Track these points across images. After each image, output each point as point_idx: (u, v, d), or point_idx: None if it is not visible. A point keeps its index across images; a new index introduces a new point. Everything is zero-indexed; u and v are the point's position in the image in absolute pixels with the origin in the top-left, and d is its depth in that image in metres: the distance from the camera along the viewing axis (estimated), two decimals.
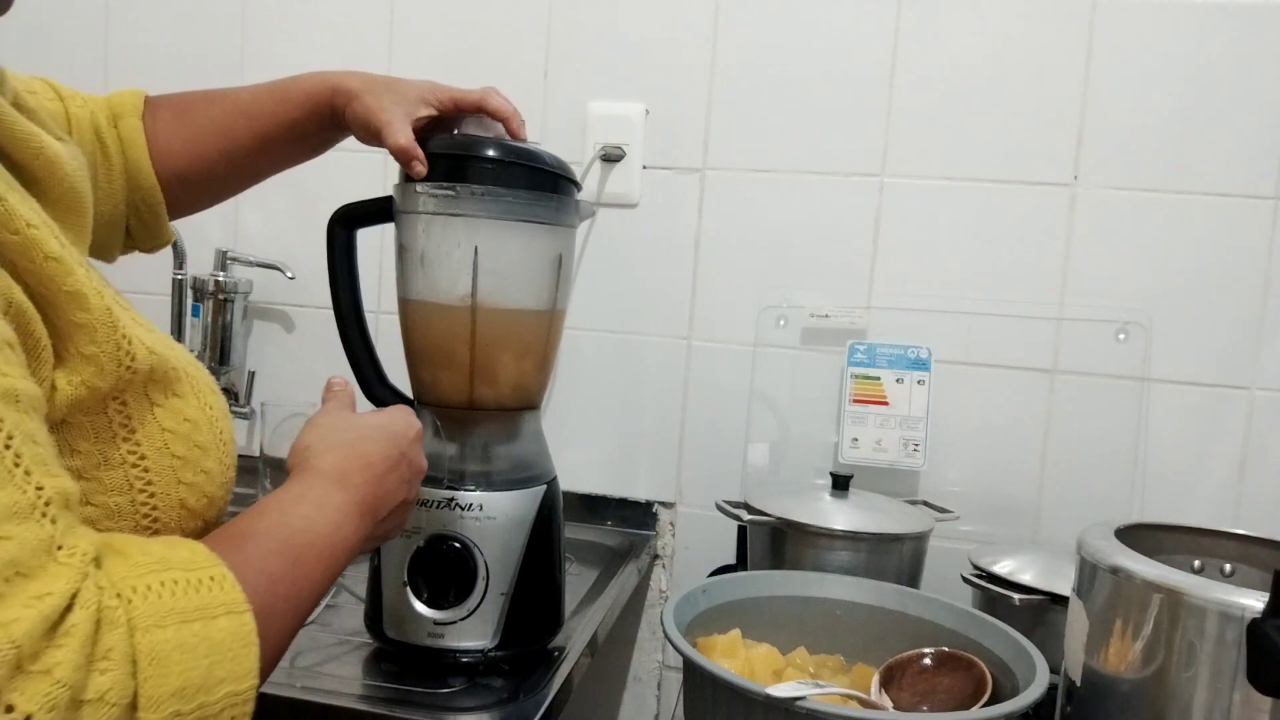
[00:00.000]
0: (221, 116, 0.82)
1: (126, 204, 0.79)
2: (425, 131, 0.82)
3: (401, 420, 0.66)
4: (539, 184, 0.83)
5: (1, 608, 0.35)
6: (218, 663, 0.42)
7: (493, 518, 0.83)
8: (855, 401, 1.18)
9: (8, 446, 0.38)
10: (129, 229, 0.81)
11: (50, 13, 1.40)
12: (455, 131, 0.84)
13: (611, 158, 1.26)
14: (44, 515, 0.38)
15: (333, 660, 0.87)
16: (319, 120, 0.83)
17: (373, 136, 0.80)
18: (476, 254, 0.81)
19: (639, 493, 1.30)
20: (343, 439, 0.62)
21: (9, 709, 0.34)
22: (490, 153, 0.82)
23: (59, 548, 0.39)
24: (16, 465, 0.38)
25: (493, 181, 0.81)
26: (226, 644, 0.42)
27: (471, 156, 0.81)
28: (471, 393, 0.85)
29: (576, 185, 0.88)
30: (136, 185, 0.79)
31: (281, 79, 0.84)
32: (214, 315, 1.34)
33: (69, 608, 0.37)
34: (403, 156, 0.79)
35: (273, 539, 0.51)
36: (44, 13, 1.39)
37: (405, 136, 0.79)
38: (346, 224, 0.89)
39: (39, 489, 0.39)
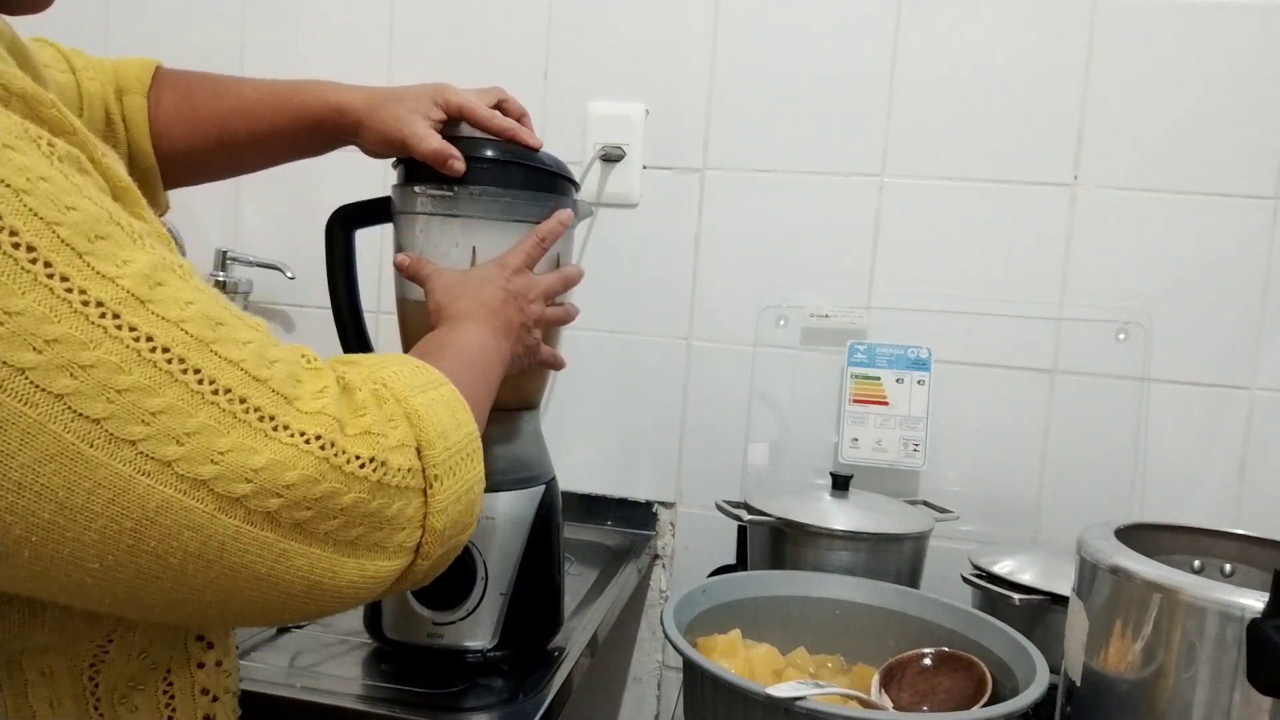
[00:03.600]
0: (223, 111, 0.82)
1: None
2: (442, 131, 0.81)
3: (493, 268, 0.77)
4: (537, 184, 0.83)
5: (307, 399, 0.46)
6: (453, 413, 0.55)
7: (491, 518, 0.83)
8: (855, 401, 1.18)
9: (217, 300, 0.45)
10: None
11: (50, 13, 1.40)
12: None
13: (611, 158, 1.26)
14: (277, 342, 0.48)
15: (332, 660, 0.87)
16: (317, 136, 0.84)
17: (395, 149, 0.81)
18: (474, 254, 0.81)
19: (639, 493, 1.30)
20: (463, 292, 0.74)
21: (356, 458, 0.47)
22: (490, 154, 0.82)
23: (303, 356, 0.49)
24: (239, 318, 0.46)
25: (491, 182, 0.81)
26: (451, 402, 0.56)
27: (471, 158, 0.81)
28: None
29: (575, 185, 0.88)
30: (136, 164, 0.80)
31: (285, 83, 0.84)
32: None
33: (347, 390, 0.50)
34: (438, 159, 0.78)
35: (442, 353, 0.65)
36: (43, 13, 1.39)
37: (436, 140, 0.79)
38: (345, 224, 0.89)
39: (257, 327, 0.47)
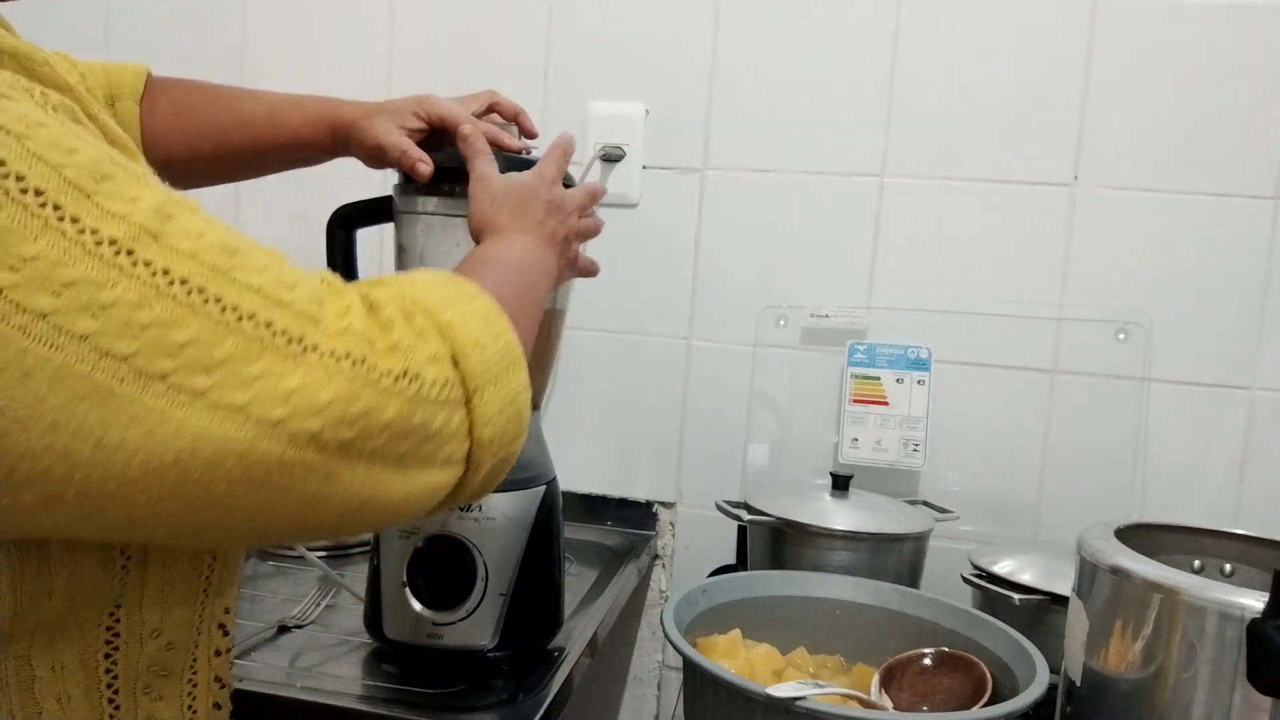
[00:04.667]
0: (221, 121, 0.83)
1: None
2: (431, 140, 0.82)
3: (532, 179, 0.76)
4: None
5: (332, 320, 0.46)
6: (489, 325, 0.54)
7: (492, 518, 0.83)
8: (855, 401, 1.18)
9: (228, 229, 0.45)
10: None
11: (50, 11, 1.40)
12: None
13: (611, 158, 1.26)
14: (294, 266, 0.47)
15: (333, 660, 0.87)
16: (315, 148, 0.85)
17: (377, 158, 0.82)
18: None
19: (639, 493, 1.30)
20: (507, 203, 0.73)
21: (389, 373, 0.46)
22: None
23: (322, 280, 0.48)
24: (253, 245, 0.45)
25: None
26: (488, 313, 0.55)
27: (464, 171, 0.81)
28: None
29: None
30: None
31: (283, 97, 0.85)
32: None
33: (373, 307, 0.49)
34: (404, 162, 0.79)
35: (485, 268, 0.64)
36: (44, 11, 1.39)
37: (404, 144, 0.80)
38: (345, 224, 0.89)
39: (272, 253, 0.46)
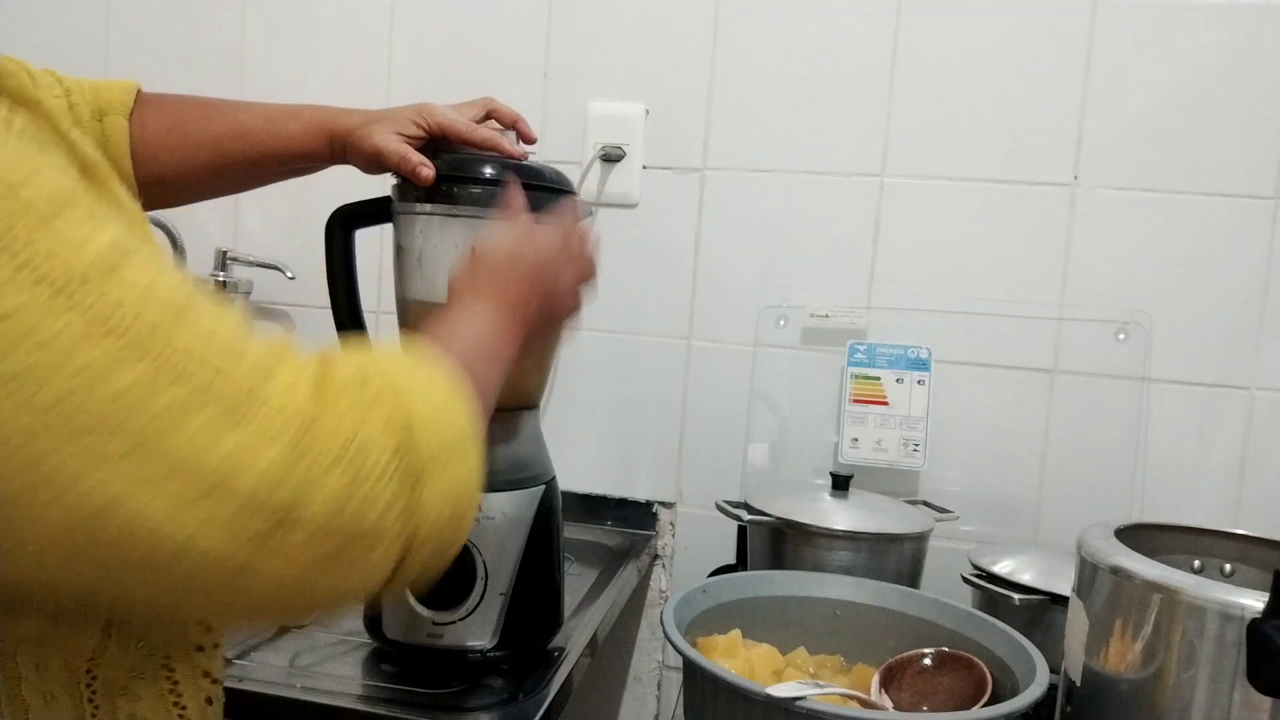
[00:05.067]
0: (216, 134, 0.83)
1: None
2: (429, 148, 0.83)
3: (530, 249, 0.72)
4: (538, 202, 0.83)
5: (275, 395, 0.42)
6: (446, 390, 0.51)
7: (491, 518, 0.83)
8: (855, 401, 1.18)
9: (181, 285, 0.42)
10: None
11: (50, 11, 1.40)
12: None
13: (611, 158, 1.26)
14: (249, 333, 0.44)
15: (332, 660, 0.87)
16: (312, 158, 0.85)
17: (375, 164, 0.82)
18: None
19: (639, 493, 1.30)
20: (485, 269, 0.70)
21: (319, 461, 0.42)
22: (488, 172, 0.81)
23: (272, 351, 0.45)
24: (205, 307, 0.43)
25: (486, 201, 0.80)
26: (444, 383, 0.51)
27: (469, 179, 0.81)
28: None
29: (572, 195, 0.88)
30: None
31: (279, 108, 0.85)
32: None
33: (326, 378, 0.45)
34: (404, 167, 0.80)
35: (448, 340, 0.61)
36: (44, 14, 1.39)
37: (403, 149, 0.80)
38: (345, 224, 0.89)
39: (225, 317, 0.44)
